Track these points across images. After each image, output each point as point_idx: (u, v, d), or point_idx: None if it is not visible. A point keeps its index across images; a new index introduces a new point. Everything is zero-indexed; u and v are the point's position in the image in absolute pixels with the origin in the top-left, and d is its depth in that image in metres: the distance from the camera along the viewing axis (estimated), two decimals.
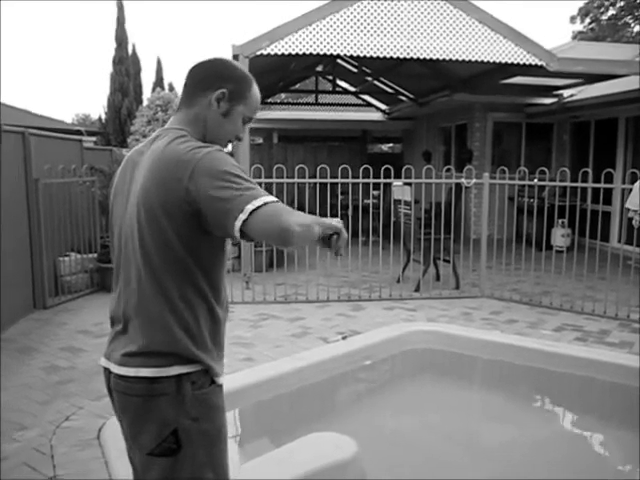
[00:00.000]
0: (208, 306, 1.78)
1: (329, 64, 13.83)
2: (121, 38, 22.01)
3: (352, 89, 16.33)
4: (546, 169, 7.15)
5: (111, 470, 3.20)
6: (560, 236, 10.19)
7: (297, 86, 16.84)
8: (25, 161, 6.64)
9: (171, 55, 73.51)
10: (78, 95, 77.38)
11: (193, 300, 1.73)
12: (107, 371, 1.82)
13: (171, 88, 23.78)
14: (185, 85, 1.89)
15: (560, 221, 10.14)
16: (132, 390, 1.73)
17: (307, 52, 7.77)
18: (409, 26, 8.04)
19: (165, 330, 1.71)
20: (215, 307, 1.80)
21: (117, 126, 21.32)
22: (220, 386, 1.82)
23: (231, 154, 17.58)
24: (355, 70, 14.11)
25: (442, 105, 13.37)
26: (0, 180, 5.89)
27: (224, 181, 1.62)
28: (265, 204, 1.59)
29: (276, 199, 1.63)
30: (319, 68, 14.73)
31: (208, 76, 1.85)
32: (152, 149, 1.77)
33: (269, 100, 16.23)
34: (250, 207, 1.57)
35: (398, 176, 7.48)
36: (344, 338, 5.60)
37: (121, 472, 3.08)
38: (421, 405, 4.97)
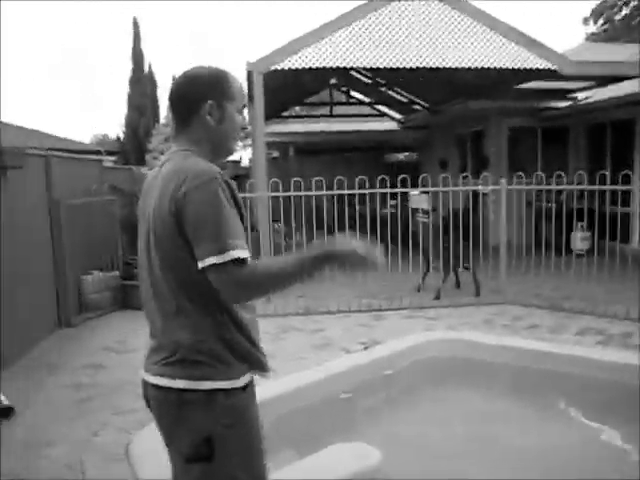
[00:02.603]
0: (231, 315, 1.82)
1: (343, 76, 13.92)
2: (138, 57, 22.27)
3: (366, 100, 16.39)
4: (563, 173, 7.14)
5: None
6: (580, 239, 10.13)
7: (311, 99, 16.94)
8: (47, 183, 6.77)
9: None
10: (96, 115, 78.33)
11: (215, 314, 1.79)
12: (144, 382, 1.90)
13: None
14: (173, 114, 1.94)
15: (579, 224, 10.08)
16: (166, 399, 1.81)
17: (320, 66, 7.84)
18: (420, 36, 8.09)
19: (192, 343, 1.78)
20: (238, 313, 1.85)
21: (135, 144, 21.53)
22: (251, 386, 1.87)
23: (248, 169, 17.70)
24: (369, 81, 14.18)
25: (456, 113, 13.37)
26: (25, 203, 6.03)
27: (209, 214, 1.69)
28: (234, 263, 1.67)
29: (243, 256, 1.69)
30: (333, 80, 14.82)
31: (188, 98, 1.89)
32: (162, 173, 1.84)
33: (284, 114, 16.33)
34: (214, 259, 1.66)
35: (415, 185, 7.51)
36: (365, 348, 5.62)
37: None
38: (446, 414, 4.96)
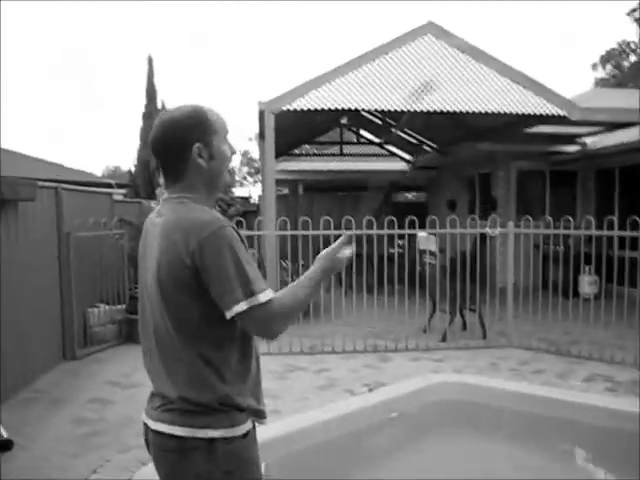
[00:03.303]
0: (232, 366, 1.83)
1: (353, 116, 14.07)
2: (151, 93, 22.58)
3: (376, 140, 16.54)
4: (571, 217, 7.15)
5: None
6: (587, 284, 10.08)
7: (322, 138, 17.11)
8: (57, 215, 6.82)
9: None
10: (109, 147, 79.26)
11: (216, 365, 1.79)
12: (145, 426, 1.90)
13: None
14: (163, 166, 1.90)
15: (587, 268, 10.04)
16: (166, 445, 1.80)
17: (330, 107, 7.95)
18: (430, 79, 8.20)
19: (193, 390, 1.78)
20: (241, 362, 1.86)
21: (146, 178, 21.71)
22: (252, 433, 1.87)
23: (257, 205, 17.78)
24: (379, 122, 14.33)
25: (466, 154, 13.46)
26: (35, 235, 6.09)
27: (228, 262, 1.72)
28: (265, 304, 1.73)
29: (271, 295, 1.76)
30: (343, 120, 14.98)
31: (174, 148, 1.86)
32: (162, 222, 1.85)
33: (295, 152, 16.48)
34: (245, 305, 1.71)
35: (423, 226, 7.53)
36: (370, 390, 5.58)
37: None
38: (449, 457, 4.90)
